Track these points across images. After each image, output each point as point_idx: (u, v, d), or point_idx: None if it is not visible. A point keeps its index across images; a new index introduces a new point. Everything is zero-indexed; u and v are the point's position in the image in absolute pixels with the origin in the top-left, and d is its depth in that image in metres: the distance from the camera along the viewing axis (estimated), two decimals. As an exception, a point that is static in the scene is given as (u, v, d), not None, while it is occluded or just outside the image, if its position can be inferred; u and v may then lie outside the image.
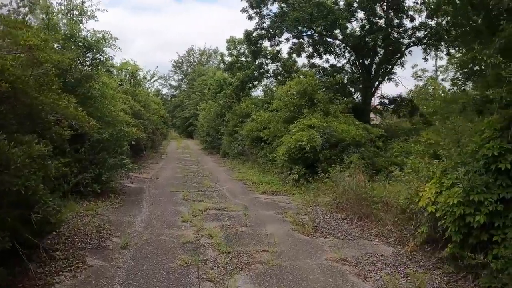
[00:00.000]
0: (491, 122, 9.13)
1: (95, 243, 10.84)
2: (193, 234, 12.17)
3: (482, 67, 26.79)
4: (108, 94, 18.64)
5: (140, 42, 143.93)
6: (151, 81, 55.46)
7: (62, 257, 9.30)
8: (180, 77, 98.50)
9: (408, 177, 12.18)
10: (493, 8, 22.78)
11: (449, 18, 30.83)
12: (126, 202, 16.62)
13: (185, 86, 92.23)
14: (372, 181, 16.44)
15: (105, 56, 18.17)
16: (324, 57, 35.74)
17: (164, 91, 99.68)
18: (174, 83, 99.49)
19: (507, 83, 9.28)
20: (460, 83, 38.55)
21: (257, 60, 36.56)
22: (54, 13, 17.50)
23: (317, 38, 34.64)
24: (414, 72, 45.96)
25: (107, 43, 17.76)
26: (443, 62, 42.40)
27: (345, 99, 30.77)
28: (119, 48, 18.23)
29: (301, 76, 26.62)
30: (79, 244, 10.61)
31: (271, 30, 33.55)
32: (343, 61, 36.11)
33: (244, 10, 33.37)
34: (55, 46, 15.10)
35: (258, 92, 43.27)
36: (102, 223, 12.66)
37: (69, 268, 8.94)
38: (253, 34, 34.06)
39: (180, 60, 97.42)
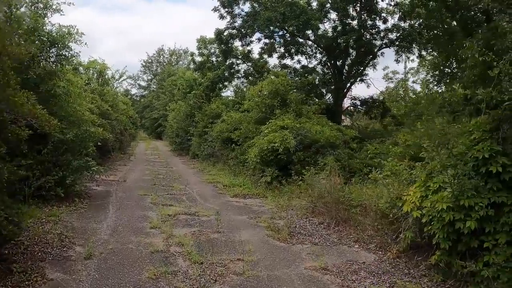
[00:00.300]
0: (479, 123, 8.64)
1: (57, 253, 9.93)
2: (163, 242, 11.34)
3: (454, 69, 26.95)
4: (73, 92, 17.65)
5: (109, 42, 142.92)
6: (120, 81, 54.17)
7: (19, 270, 8.39)
8: (149, 77, 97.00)
9: (388, 180, 11.60)
10: (470, 9, 22.87)
11: (421, 20, 31.11)
12: (92, 206, 15.63)
13: (155, 86, 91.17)
14: (348, 184, 15.86)
15: (71, 52, 17.14)
16: (296, 57, 35.57)
17: (133, 91, 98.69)
18: (143, 83, 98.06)
19: (496, 82, 8.83)
20: (431, 85, 38.93)
21: (227, 60, 36.03)
22: (18, 5, 16.49)
23: (289, 38, 34.32)
24: (385, 74, 46.43)
25: (72, 39, 16.79)
26: (414, 64, 42.57)
27: (317, 100, 30.50)
28: (85, 43, 17.16)
29: (273, 76, 25.92)
30: (39, 254, 9.68)
31: (242, 30, 33.08)
32: (314, 62, 35.91)
33: (215, 9, 32.92)
34: (16, 39, 14.16)
35: (228, 92, 42.95)
36: (65, 230, 11.72)
37: (27, 282, 8.07)
38: (224, 34, 33.59)
39: (150, 60, 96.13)
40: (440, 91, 31.49)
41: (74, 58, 18.01)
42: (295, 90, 26.69)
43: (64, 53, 16.87)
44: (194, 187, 21.10)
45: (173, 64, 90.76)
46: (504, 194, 7.97)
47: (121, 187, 20.48)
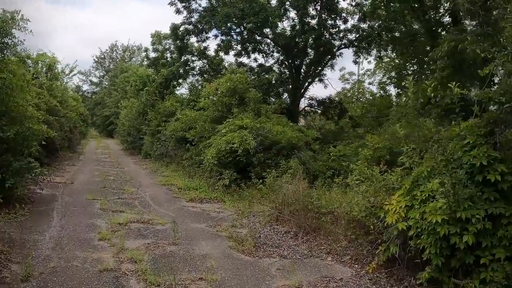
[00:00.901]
0: (471, 127, 7.73)
1: (-11, 275, 8.40)
2: (113, 257, 9.85)
3: (415, 71, 26.49)
4: (16, 85, 15.96)
5: (61, 37, 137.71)
6: (70, 76, 51.93)
7: None
8: (101, 74, 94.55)
9: (363, 186, 10.59)
10: (438, 10, 22.37)
11: (381, 22, 30.72)
12: (34, 213, 13.99)
13: (107, 83, 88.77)
14: (313, 188, 14.87)
15: (14, 40, 15.48)
16: (253, 56, 34.76)
17: (85, 87, 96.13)
18: (95, 80, 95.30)
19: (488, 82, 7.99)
20: (386, 86, 38.69)
21: (183, 57, 34.95)
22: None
23: (247, 36, 33.32)
24: (342, 75, 46.04)
25: (16, 25, 15.17)
26: (371, 66, 42.47)
27: (273, 100, 29.66)
28: (31, 31, 15.56)
29: (231, 74, 24.75)
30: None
31: (199, 26, 32.08)
32: (271, 61, 35.18)
33: (172, 3, 31.96)
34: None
35: (183, 90, 41.68)
36: (0, 244, 10.09)
37: None
38: (180, 29, 32.59)
39: (102, 56, 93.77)
40: (399, 92, 31.45)
41: (17, 46, 16.32)
42: (253, 89, 25.72)
43: (6, 41, 15.28)
44: (146, 190, 19.71)
45: (126, 60, 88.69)
46: (501, 205, 7.08)
47: (68, 190, 18.86)
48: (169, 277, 8.51)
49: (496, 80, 12.27)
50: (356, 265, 9.80)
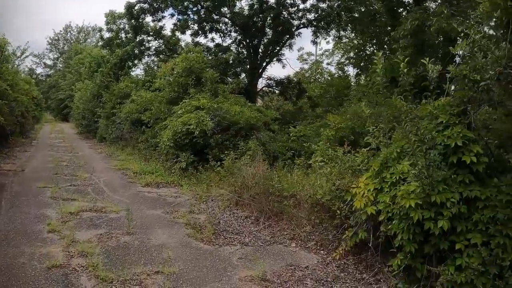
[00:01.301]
0: (443, 106, 7.30)
1: None
2: (62, 251, 9.06)
3: (374, 51, 26.15)
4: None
5: (13, 19, 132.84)
6: (22, 58, 49.96)
7: None
8: (56, 56, 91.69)
9: (327, 168, 10.08)
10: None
11: (340, 1, 30.46)
12: None
13: (61, 65, 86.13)
14: (273, 170, 14.33)
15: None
16: (210, 35, 33.92)
17: (39, 70, 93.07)
18: (49, 62, 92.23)
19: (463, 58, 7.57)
20: (345, 67, 38.49)
21: (138, 37, 33.82)
22: None
23: (204, 15, 32.45)
24: (300, 55, 45.65)
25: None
26: (330, 46, 42.35)
27: (230, 80, 29.05)
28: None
29: (187, 53, 23.92)
30: None
31: (154, 4, 31.03)
32: (229, 40, 34.47)
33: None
34: None
35: (138, 71, 40.63)
36: None
37: None
38: (135, 8, 31.38)
39: (57, 38, 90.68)
40: (358, 72, 31.22)
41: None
42: (210, 69, 25.03)
43: None
44: (101, 176, 18.79)
45: (81, 42, 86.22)
46: (476, 188, 6.68)
47: (18, 179, 17.81)
48: (122, 272, 7.87)
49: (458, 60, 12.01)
50: (322, 251, 9.37)
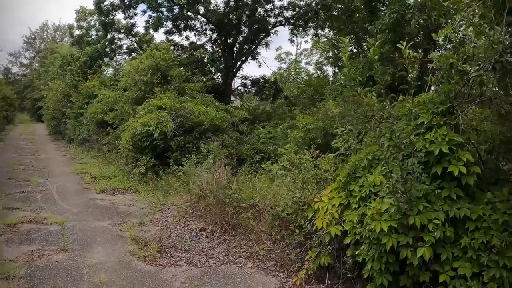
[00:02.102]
0: (424, 103, 5.95)
1: None
2: None
3: (353, 49, 24.95)
4: None
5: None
6: None
7: None
8: (32, 55, 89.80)
9: (288, 177, 8.67)
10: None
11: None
12: None
13: (37, 65, 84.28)
14: (236, 176, 12.88)
15: None
16: (184, 34, 32.57)
17: (15, 69, 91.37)
18: (25, 61, 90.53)
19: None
20: (323, 67, 37.35)
21: (108, 34, 32.21)
22: None
23: (178, 12, 31.00)
24: (278, 54, 44.48)
25: None
26: (308, 46, 41.51)
27: (203, 78, 27.65)
28: None
29: (154, 50, 22.30)
30: None
31: (125, 0, 29.42)
32: (204, 39, 33.37)
33: (96, -25, 29.05)
34: None
35: (110, 70, 38.94)
36: None
37: None
38: (105, 3, 29.78)
39: (33, 36, 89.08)
40: (336, 72, 30.06)
41: None
42: (182, 68, 23.61)
43: None
44: (56, 181, 17.26)
45: (58, 40, 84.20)
46: (466, 205, 5.33)
47: (-37, 185, 16.17)
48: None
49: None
50: (282, 273, 7.96)
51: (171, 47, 30.45)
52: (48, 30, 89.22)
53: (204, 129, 16.82)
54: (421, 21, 14.09)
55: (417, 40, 16.77)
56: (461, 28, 5.99)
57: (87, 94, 30.12)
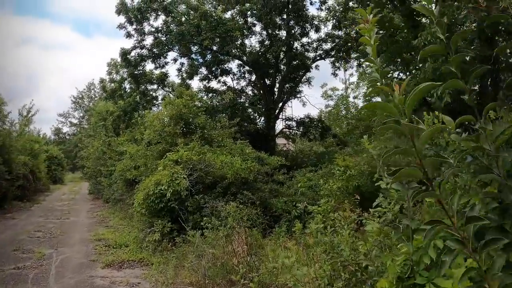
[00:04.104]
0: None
1: None
2: None
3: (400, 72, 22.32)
4: None
5: (52, 80, 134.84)
6: (28, 117, 46.76)
7: None
8: (81, 114, 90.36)
9: (327, 247, 6.01)
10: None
11: (357, 27, 26.98)
12: None
13: (86, 123, 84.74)
14: (267, 240, 10.31)
15: None
16: (222, 79, 31.05)
17: (65, 129, 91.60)
18: (75, 121, 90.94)
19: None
20: (373, 99, 34.55)
21: (140, 86, 30.49)
22: None
23: (210, 57, 29.26)
24: (324, 91, 42.09)
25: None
26: (354, 79, 39.36)
27: (246, 124, 25.64)
28: None
29: (178, 98, 20.04)
30: None
31: (154, 50, 27.82)
32: (243, 82, 31.89)
33: (121, 27, 27.63)
34: None
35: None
36: None
37: None
38: (131, 54, 28.18)
39: (80, 96, 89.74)
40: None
41: None
42: (223, 115, 21.69)
43: None
44: (65, 252, 15.10)
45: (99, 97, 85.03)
46: None
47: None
48: None
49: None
50: None
51: (210, 94, 28.89)
52: (95, 89, 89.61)
53: (228, 184, 14.34)
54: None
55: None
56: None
57: (119, 151, 28.27)
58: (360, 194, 9.69)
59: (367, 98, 35.33)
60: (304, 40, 29.80)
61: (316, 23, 29.08)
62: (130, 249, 14.60)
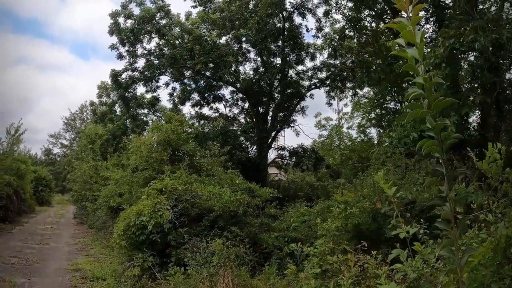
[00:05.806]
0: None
1: None
2: None
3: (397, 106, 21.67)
4: None
5: (46, 101, 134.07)
6: (16, 136, 45.54)
7: None
8: (72, 136, 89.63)
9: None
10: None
11: (353, 56, 26.63)
12: None
13: (76, 145, 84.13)
14: (256, 279, 9.38)
15: None
16: (214, 105, 30.79)
17: (56, 150, 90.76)
18: (66, 142, 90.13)
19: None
20: (366, 129, 33.83)
21: (130, 109, 29.68)
22: None
23: (203, 83, 28.71)
24: (318, 121, 41.50)
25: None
26: (348, 109, 38.99)
27: (237, 153, 24.91)
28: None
29: (167, 123, 19.11)
30: None
31: (146, 73, 27.12)
32: (236, 110, 31.61)
33: (113, 47, 26.96)
34: None
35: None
36: None
37: None
38: (122, 76, 27.51)
39: (73, 117, 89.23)
40: (380, 131, 26.52)
41: None
42: (214, 143, 20.88)
43: None
44: (37, 283, 13.95)
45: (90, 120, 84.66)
46: None
47: None
48: None
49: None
50: None
51: (202, 120, 28.25)
52: (88, 111, 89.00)
53: (216, 217, 13.38)
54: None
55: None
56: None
57: (105, 176, 27.28)
58: (360, 233, 8.90)
59: (361, 129, 34.76)
60: (299, 68, 29.59)
61: (311, 51, 28.76)
62: (107, 283, 13.50)
